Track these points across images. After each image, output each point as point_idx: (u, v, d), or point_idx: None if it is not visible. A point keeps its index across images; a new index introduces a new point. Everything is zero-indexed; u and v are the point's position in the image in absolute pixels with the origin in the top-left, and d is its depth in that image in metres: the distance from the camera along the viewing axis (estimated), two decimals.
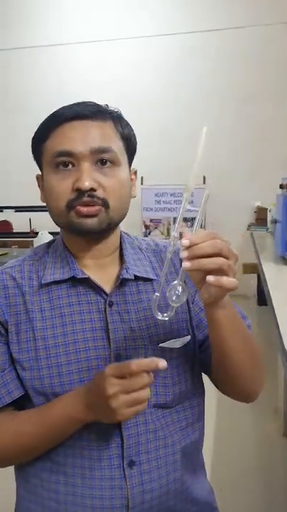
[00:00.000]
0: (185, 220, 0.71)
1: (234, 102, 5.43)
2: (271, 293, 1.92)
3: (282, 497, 2.07)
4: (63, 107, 0.85)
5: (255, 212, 5.37)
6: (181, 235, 0.68)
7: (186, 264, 0.65)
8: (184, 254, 0.65)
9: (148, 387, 0.71)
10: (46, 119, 0.85)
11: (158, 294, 0.72)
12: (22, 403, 0.86)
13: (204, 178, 5.15)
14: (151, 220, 5.38)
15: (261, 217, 5.17)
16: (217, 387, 0.92)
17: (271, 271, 2.49)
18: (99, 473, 0.81)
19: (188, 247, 0.65)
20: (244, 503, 2.03)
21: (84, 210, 0.81)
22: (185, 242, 0.65)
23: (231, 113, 5.46)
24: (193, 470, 0.91)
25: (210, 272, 0.66)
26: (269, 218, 4.18)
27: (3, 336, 0.85)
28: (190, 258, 0.65)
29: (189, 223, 0.71)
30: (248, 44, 5.36)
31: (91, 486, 0.81)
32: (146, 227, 5.36)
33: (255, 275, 4.92)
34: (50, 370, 0.82)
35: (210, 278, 0.66)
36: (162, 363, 0.70)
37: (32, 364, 0.82)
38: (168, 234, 5.35)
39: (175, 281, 0.70)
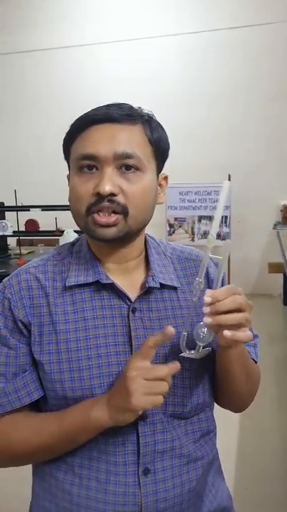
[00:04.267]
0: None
1: (261, 100, 5.36)
2: None
3: None
4: (94, 109, 0.84)
5: (281, 211, 5.29)
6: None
7: (207, 319, 0.71)
8: (206, 310, 0.71)
9: (167, 383, 0.73)
10: (75, 121, 0.84)
11: (185, 334, 0.78)
12: (39, 406, 0.87)
13: (229, 176, 5.13)
14: (175, 219, 5.36)
15: None
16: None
17: None
18: (113, 479, 0.80)
19: (210, 304, 0.71)
20: (269, 501, 2.01)
21: (102, 220, 0.80)
22: (208, 299, 0.71)
23: (257, 111, 5.39)
24: (209, 480, 0.90)
25: (229, 326, 0.72)
26: None
27: (26, 337, 0.84)
28: (212, 314, 0.71)
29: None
30: (274, 41, 5.28)
31: (105, 491, 0.80)
32: (170, 225, 5.35)
33: (281, 275, 4.85)
34: (71, 374, 0.81)
35: (227, 333, 0.71)
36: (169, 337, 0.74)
37: (53, 367, 0.82)
38: (192, 233, 5.32)
39: (202, 322, 0.74)
